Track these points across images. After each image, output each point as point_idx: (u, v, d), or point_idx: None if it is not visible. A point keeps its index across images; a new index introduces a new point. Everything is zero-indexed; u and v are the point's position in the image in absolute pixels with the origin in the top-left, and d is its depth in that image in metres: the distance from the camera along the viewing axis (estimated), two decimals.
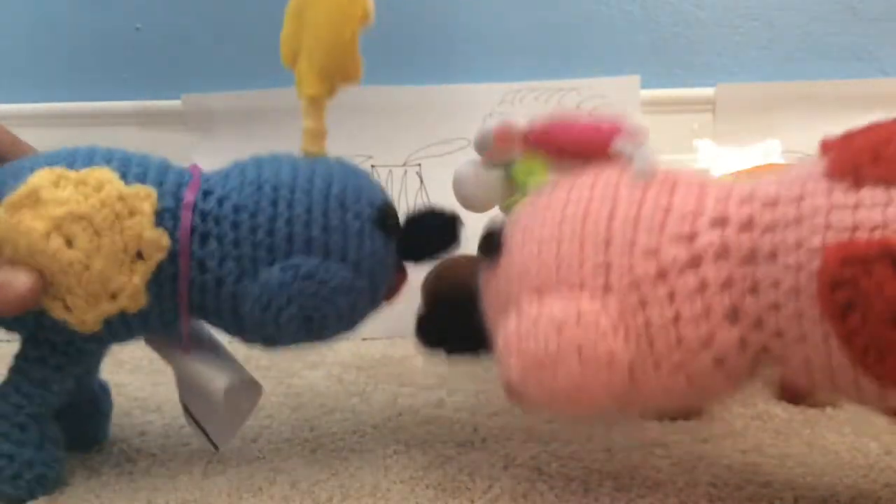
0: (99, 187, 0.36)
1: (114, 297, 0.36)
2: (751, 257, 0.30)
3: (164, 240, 0.37)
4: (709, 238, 0.30)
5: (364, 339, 0.72)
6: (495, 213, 0.45)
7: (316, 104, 0.44)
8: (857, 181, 0.28)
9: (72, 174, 0.36)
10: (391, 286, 0.42)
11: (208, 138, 0.79)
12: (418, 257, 0.43)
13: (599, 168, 0.34)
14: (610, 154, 0.34)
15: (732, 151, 0.78)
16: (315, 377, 0.60)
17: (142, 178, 0.38)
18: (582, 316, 0.30)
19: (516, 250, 0.33)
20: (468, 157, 0.56)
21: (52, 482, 0.38)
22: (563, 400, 0.31)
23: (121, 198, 0.36)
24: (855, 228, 0.27)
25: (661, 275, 0.30)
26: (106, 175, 0.36)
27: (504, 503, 0.37)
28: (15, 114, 0.83)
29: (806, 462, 0.40)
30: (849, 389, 0.29)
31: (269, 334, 0.39)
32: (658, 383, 0.31)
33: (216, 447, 0.42)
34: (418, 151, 0.78)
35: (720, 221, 0.30)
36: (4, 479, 0.37)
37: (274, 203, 0.39)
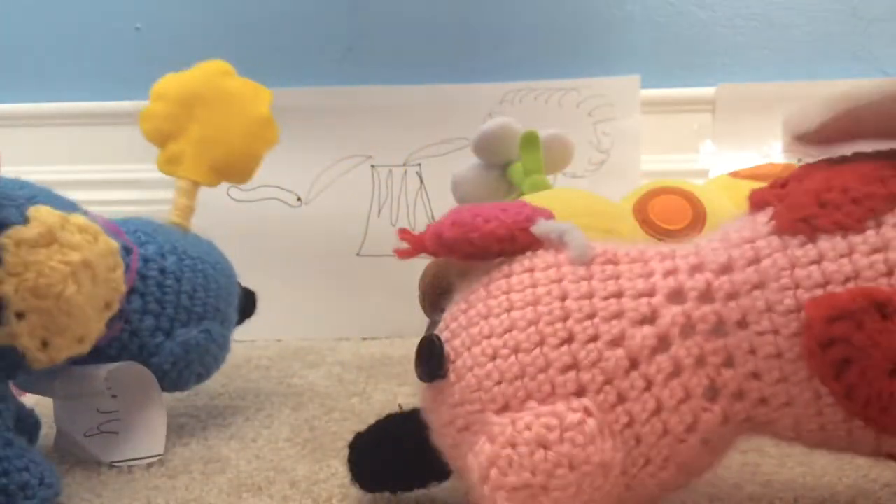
0: (95, 237, 0.36)
1: (81, 340, 0.36)
2: (718, 328, 0.28)
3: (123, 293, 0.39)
4: (671, 315, 0.28)
5: (364, 339, 0.72)
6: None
7: (196, 188, 0.49)
8: (812, 233, 0.27)
9: (71, 219, 0.36)
10: None
11: None
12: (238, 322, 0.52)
13: (525, 259, 0.31)
14: (534, 241, 0.31)
15: (732, 151, 0.78)
16: (315, 377, 0.60)
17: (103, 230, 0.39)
18: (566, 427, 0.27)
19: (465, 369, 0.30)
20: (468, 158, 0.56)
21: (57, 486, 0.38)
22: None
23: (111, 252, 0.37)
24: (826, 283, 0.26)
25: (633, 364, 0.28)
26: (94, 226, 0.37)
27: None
28: (15, 114, 0.83)
29: (806, 462, 0.40)
30: (841, 442, 0.28)
31: (163, 384, 0.44)
32: (649, 478, 0.29)
33: (158, 455, 0.43)
34: (418, 151, 0.78)
35: (677, 295, 0.29)
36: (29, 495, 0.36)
37: (195, 272, 0.45)
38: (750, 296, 0.27)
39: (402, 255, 0.33)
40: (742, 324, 0.28)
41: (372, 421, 0.48)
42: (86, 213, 0.39)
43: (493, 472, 0.28)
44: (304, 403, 0.53)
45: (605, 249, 0.31)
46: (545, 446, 0.27)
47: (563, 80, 0.78)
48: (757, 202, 0.30)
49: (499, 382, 0.29)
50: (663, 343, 0.28)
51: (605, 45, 0.81)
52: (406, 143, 0.78)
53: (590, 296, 0.29)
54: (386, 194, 0.78)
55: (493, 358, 0.29)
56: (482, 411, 0.29)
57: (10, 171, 0.89)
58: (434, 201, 0.77)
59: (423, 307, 0.46)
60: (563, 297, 0.29)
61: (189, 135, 0.49)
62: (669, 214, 0.46)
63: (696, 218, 0.45)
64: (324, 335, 0.73)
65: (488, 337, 0.30)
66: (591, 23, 0.81)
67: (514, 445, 0.27)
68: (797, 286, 0.27)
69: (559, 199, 0.46)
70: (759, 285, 0.27)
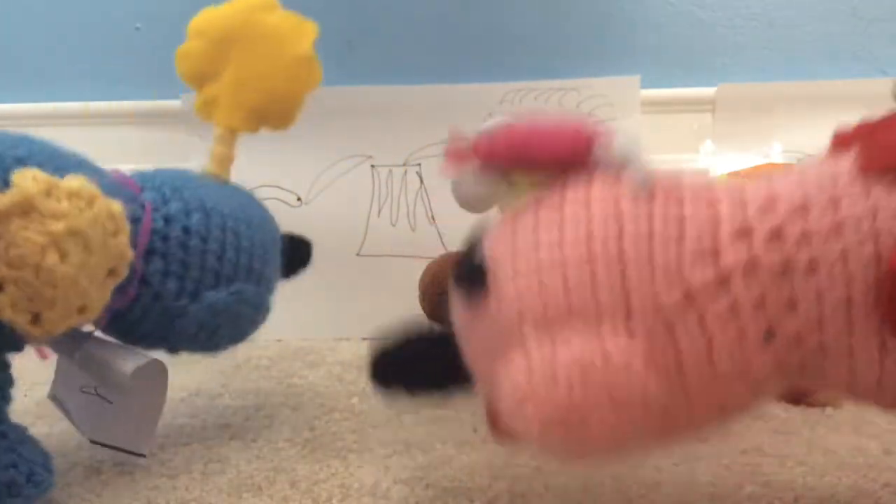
0: (91, 202, 0.34)
1: (82, 310, 0.35)
2: (784, 271, 0.26)
3: (130, 255, 0.36)
4: (735, 253, 0.26)
5: (364, 339, 0.72)
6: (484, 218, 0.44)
7: (233, 135, 0.45)
8: None
9: (62, 184, 0.33)
10: None
11: (208, 138, 0.79)
12: (287, 276, 0.49)
13: (583, 179, 0.29)
14: (589, 162, 0.29)
15: (732, 151, 0.78)
16: (315, 377, 0.60)
17: (110, 192, 0.36)
18: (609, 355, 0.26)
19: (507, 282, 0.28)
20: None
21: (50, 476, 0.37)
22: (594, 450, 0.28)
23: (110, 216, 0.35)
24: None
25: (688, 298, 0.26)
26: (93, 188, 0.35)
27: (504, 503, 0.37)
28: (15, 114, 0.83)
29: (806, 462, 0.40)
30: (893, 398, 0.27)
31: (192, 347, 0.42)
32: (691, 418, 0.28)
33: (139, 454, 0.41)
34: (418, 151, 0.78)
35: (743, 233, 0.27)
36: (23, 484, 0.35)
37: (223, 231, 0.42)
38: (824, 240, 0.26)
39: (451, 157, 0.33)
40: (812, 269, 0.26)
41: (372, 421, 0.48)
42: (96, 171, 0.38)
43: (527, 396, 0.26)
44: (304, 403, 0.53)
45: (668, 176, 0.29)
46: (585, 373, 0.26)
47: (563, 80, 0.78)
48: (840, 142, 0.28)
49: (540, 299, 0.27)
50: (723, 280, 0.26)
51: (605, 45, 0.81)
52: (406, 143, 0.78)
53: (648, 221, 0.27)
54: (386, 194, 0.78)
55: (538, 272, 0.27)
56: (520, 324, 0.27)
57: None
58: (434, 201, 0.77)
59: (423, 307, 0.47)
60: (620, 220, 0.27)
61: (226, 76, 0.44)
62: None
63: None
64: (324, 335, 0.73)
65: (535, 248, 0.28)
66: (591, 23, 0.81)
67: (551, 368, 0.26)
68: (878, 234, 0.25)
69: None
70: (836, 230, 0.26)
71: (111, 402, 0.41)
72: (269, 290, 0.45)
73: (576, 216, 0.28)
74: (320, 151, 0.77)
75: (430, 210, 0.78)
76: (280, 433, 0.47)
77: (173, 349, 0.43)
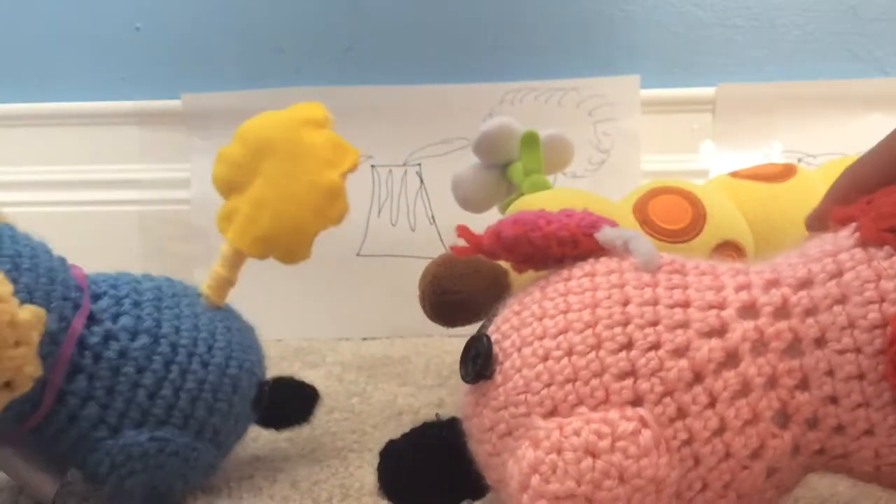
0: None
1: None
2: (794, 347, 0.26)
3: (38, 372, 0.32)
4: (742, 329, 0.26)
5: (364, 339, 0.72)
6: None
7: (239, 257, 0.40)
8: None
9: None
10: None
11: (208, 138, 0.79)
12: (275, 425, 0.43)
13: (586, 265, 0.30)
14: (596, 247, 0.30)
15: (732, 151, 0.78)
16: (315, 377, 0.60)
17: (31, 291, 0.33)
18: (618, 435, 0.25)
19: (514, 370, 0.28)
20: (468, 158, 0.56)
21: None
22: None
23: (12, 324, 0.31)
24: None
25: (697, 377, 0.26)
26: (2, 287, 0.31)
27: (504, 503, 0.37)
28: (15, 114, 0.83)
29: None
30: None
31: (104, 487, 0.37)
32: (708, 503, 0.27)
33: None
34: (418, 151, 0.78)
35: (749, 310, 0.27)
36: None
37: (166, 366, 0.36)
38: (830, 311, 0.25)
39: (460, 252, 0.32)
40: (820, 342, 0.26)
41: (372, 421, 0.48)
42: (45, 269, 0.34)
43: (535, 479, 0.26)
44: None
45: (673, 259, 0.29)
46: (594, 454, 0.25)
47: (563, 80, 0.78)
48: (840, 219, 0.28)
49: (548, 385, 0.27)
50: (732, 358, 0.26)
51: (605, 45, 0.81)
52: (406, 143, 0.78)
53: (654, 303, 0.27)
54: (386, 194, 0.78)
55: (545, 359, 0.27)
56: (528, 415, 0.27)
57: (11, 171, 0.89)
58: (434, 201, 0.77)
59: (423, 307, 0.46)
60: (625, 303, 0.27)
61: (250, 191, 0.40)
62: (669, 214, 0.46)
63: (696, 218, 0.45)
64: (324, 335, 0.73)
65: (541, 338, 0.28)
66: (591, 23, 0.81)
67: (559, 451, 0.26)
68: (882, 299, 0.25)
69: (559, 199, 0.46)
70: (841, 300, 0.25)
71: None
72: (215, 443, 0.38)
73: (581, 287, 0.28)
74: None
75: (430, 210, 0.78)
76: (280, 433, 0.47)
77: (91, 480, 0.38)
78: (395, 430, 0.46)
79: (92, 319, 0.35)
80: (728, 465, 0.26)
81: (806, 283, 0.26)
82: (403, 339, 0.70)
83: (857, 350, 0.25)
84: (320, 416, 0.50)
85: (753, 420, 0.26)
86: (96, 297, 0.36)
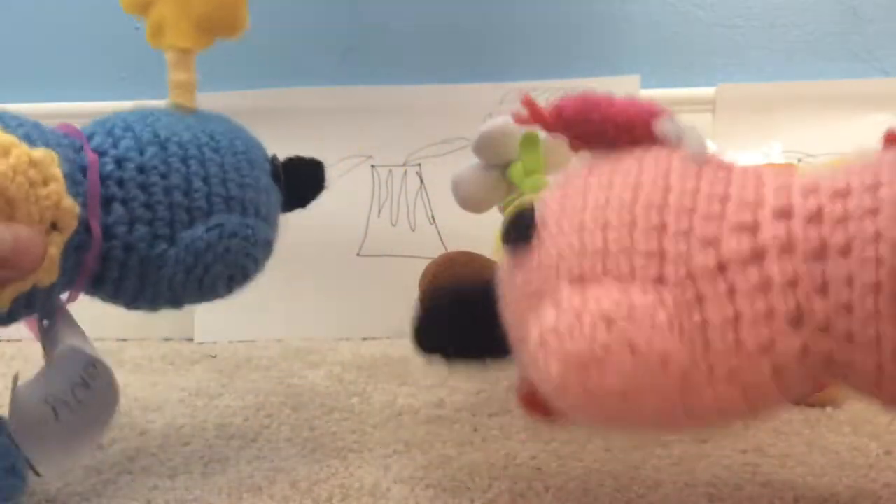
0: (5, 152, 0.31)
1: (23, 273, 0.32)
2: (820, 253, 0.26)
3: (77, 208, 0.33)
4: (773, 230, 0.27)
5: (364, 339, 0.72)
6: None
7: (188, 55, 0.41)
8: None
9: None
10: None
11: None
12: (296, 205, 0.44)
13: (640, 150, 0.30)
14: (651, 136, 0.31)
15: (732, 151, 0.78)
16: (315, 377, 0.60)
17: (31, 140, 0.33)
18: (635, 309, 0.26)
19: (551, 236, 0.30)
20: (468, 158, 0.56)
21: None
22: (610, 405, 0.28)
23: (32, 163, 0.31)
24: None
25: (721, 268, 0.27)
26: (8, 137, 0.31)
27: (504, 503, 0.37)
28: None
29: (806, 462, 0.40)
30: None
31: (191, 296, 0.38)
32: (710, 393, 0.28)
33: (36, 473, 0.36)
34: (418, 151, 0.78)
35: (784, 212, 0.27)
36: None
37: (185, 162, 0.37)
38: (861, 222, 0.26)
39: (520, 121, 0.33)
40: (845, 250, 0.26)
41: (372, 421, 0.48)
42: (31, 124, 0.35)
43: (552, 337, 0.27)
44: (304, 403, 0.53)
45: (721, 157, 0.30)
46: (609, 321, 0.26)
47: (563, 80, 0.78)
48: (891, 139, 0.28)
49: (580, 253, 0.28)
50: (758, 256, 0.27)
51: (605, 45, 0.81)
52: (406, 143, 0.78)
53: (694, 192, 0.28)
54: (386, 194, 0.78)
55: (580, 230, 0.29)
56: (556, 279, 0.29)
57: None
58: (434, 201, 0.77)
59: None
60: (667, 189, 0.28)
61: None
62: None
63: None
64: (324, 335, 0.73)
65: (581, 210, 0.29)
66: (591, 23, 0.81)
67: (578, 315, 0.27)
68: None
69: None
70: (874, 211, 0.26)
71: (58, 419, 0.37)
72: (262, 217, 0.40)
73: (627, 168, 0.30)
74: (320, 151, 0.77)
75: (430, 210, 0.78)
76: (280, 433, 0.47)
77: (175, 302, 0.39)
78: (395, 431, 0.46)
79: (99, 155, 0.36)
80: (737, 354, 0.27)
81: (843, 193, 0.27)
82: (403, 339, 0.70)
83: (879, 261, 0.25)
84: (320, 416, 0.50)
85: (768, 316, 0.27)
86: (89, 138, 0.37)
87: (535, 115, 0.32)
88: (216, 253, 0.37)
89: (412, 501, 0.37)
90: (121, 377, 0.59)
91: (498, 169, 0.55)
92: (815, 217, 0.27)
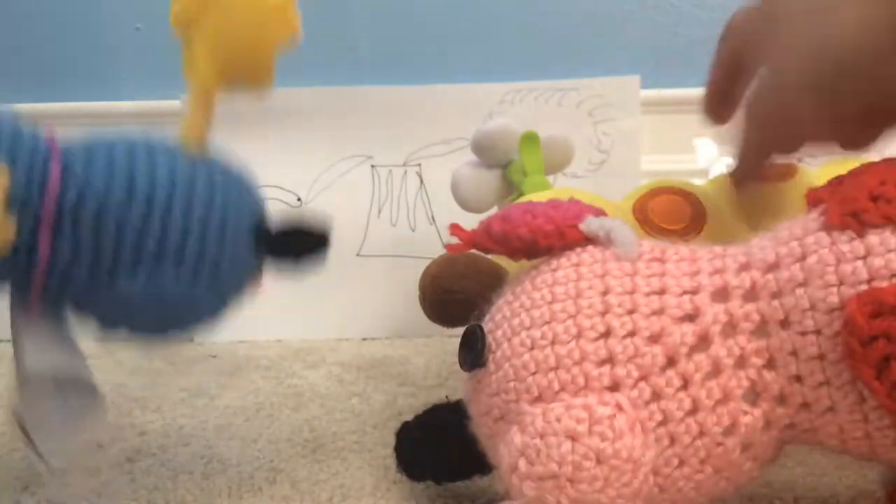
0: None
1: None
2: (761, 329, 0.27)
3: (10, 232, 0.31)
4: (713, 313, 0.28)
5: (364, 339, 0.72)
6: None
7: (207, 95, 0.38)
8: (860, 228, 0.26)
9: None
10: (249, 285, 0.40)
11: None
12: (285, 268, 0.42)
13: (573, 255, 0.31)
14: (580, 237, 0.31)
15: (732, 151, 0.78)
16: (315, 377, 0.60)
17: (8, 154, 0.32)
18: (595, 420, 0.27)
19: (504, 359, 0.30)
20: (468, 158, 0.56)
21: None
22: None
23: None
24: (871, 279, 0.25)
25: (671, 361, 0.27)
26: None
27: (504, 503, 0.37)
28: None
29: (806, 462, 0.40)
30: (889, 451, 0.27)
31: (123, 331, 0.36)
32: (686, 480, 0.28)
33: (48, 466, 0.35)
34: (418, 151, 0.78)
35: (721, 294, 0.28)
36: None
37: (145, 220, 0.34)
38: (794, 294, 0.27)
39: (453, 249, 0.34)
40: (785, 323, 0.27)
41: (372, 421, 0.48)
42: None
43: (522, 462, 0.28)
44: (304, 403, 0.53)
45: (654, 247, 0.30)
46: (573, 438, 0.27)
47: (563, 80, 0.78)
48: (812, 200, 0.29)
49: (534, 373, 0.29)
50: (703, 341, 0.28)
51: (605, 45, 0.81)
52: (406, 143, 0.78)
53: (632, 291, 0.29)
54: (386, 194, 0.78)
55: (531, 349, 0.29)
56: (517, 401, 0.29)
57: None
58: (434, 201, 0.77)
59: (423, 307, 0.46)
60: (606, 292, 0.29)
61: (205, 25, 0.38)
62: (669, 214, 0.46)
63: (696, 218, 0.45)
64: (324, 335, 0.73)
65: (528, 328, 0.30)
66: (591, 23, 0.81)
67: (543, 436, 0.27)
68: (841, 283, 0.26)
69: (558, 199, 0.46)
70: (804, 283, 0.26)
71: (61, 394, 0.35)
72: (213, 286, 0.37)
73: (566, 278, 0.30)
74: (320, 151, 0.77)
75: (430, 210, 0.78)
76: (280, 433, 0.47)
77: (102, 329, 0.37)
78: (395, 431, 0.46)
79: (66, 173, 0.34)
80: (703, 442, 0.28)
81: (773, 267, 0.28)
82: (403, 339, 0.70)
83: (818, 331, 0.26)
84: (320, 416, 0.50)
85: (725, 399, 0.27)
86: (69, 156, 0.35)
87: (466, 239, 0.33)
88: (146, 312, 0.35)
89: (412, 501, 0.37)
90: (121, 377, 0.59)
91: (498, 169, 0.55)
92: (751, 294, 0.28)
